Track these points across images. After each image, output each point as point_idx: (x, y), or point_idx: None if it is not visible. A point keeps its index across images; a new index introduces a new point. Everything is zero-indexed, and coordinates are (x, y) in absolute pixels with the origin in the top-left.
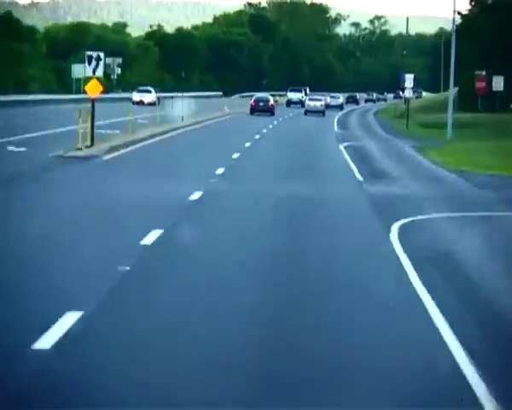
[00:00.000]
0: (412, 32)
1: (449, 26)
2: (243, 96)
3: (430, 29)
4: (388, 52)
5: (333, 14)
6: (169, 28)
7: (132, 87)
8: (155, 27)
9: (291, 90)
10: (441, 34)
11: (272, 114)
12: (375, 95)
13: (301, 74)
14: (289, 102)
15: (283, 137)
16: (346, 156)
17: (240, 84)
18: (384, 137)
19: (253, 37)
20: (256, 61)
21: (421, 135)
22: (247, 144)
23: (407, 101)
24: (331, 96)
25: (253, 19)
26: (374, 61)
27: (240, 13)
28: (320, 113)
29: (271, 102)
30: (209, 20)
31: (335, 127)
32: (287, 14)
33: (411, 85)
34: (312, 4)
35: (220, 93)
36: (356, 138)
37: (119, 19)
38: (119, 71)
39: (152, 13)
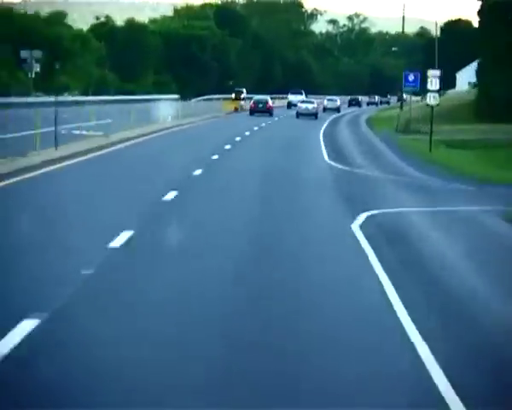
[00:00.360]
0: (392, 31)
1: (430, 27)
2: (206, 99)
3: (409, 29)
4: (368, 51)
5: (309, 9)
6: (119, 20)
7: (64, 89)
8: (103, 19)
9: (292, 93)
10: (422, 33)
11: (271, 114)
12: (377, 97)
13: (274, 74)
14: (290, 104)
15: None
16: (392, 296)
17: (202, 86)
18: (417, 181)
19: (218, 31)
20: (221, 58)
21: (467, 167)
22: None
23: (431, 109)
24: (328, 99)
25: (219, 11)
26: (353, 61)
27: (204, 5)
28: (312, 115)
29: (270, 103)
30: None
31: (325, 155)
32: (258, 8)
33: (437, 87)
34: None
35: (176, 96)
36: (369, 188)
37: (93, 21)
38: (37, 68)
39: (124, 13)
